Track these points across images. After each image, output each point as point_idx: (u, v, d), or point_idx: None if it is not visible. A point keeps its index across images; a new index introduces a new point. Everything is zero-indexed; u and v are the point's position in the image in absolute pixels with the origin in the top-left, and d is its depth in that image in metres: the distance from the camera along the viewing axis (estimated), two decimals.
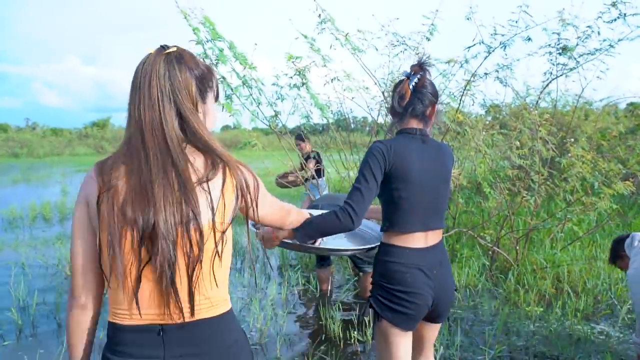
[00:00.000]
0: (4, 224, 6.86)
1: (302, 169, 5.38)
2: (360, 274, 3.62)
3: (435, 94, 1.61)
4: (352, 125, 5.52)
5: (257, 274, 4.11)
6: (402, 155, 1.51)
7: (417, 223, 1.54)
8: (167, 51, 0.99)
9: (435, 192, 1.57)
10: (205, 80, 1.03)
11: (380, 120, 5.28)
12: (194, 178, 0.94)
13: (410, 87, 1.54)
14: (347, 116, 5.05)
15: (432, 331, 1.71)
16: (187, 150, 0.97)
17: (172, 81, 0.96)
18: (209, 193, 0.95)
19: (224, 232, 0.97)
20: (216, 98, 1.09)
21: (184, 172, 0.93)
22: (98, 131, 31.48)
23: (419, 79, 1.56)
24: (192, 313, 0.94)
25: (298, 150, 5.20)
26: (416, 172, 1.52)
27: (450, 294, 1.64)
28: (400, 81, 1.59)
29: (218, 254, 0.96)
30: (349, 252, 2.40)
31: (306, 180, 5.08)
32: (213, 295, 0.98)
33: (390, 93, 1.64)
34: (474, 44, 3.97)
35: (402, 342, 1.57)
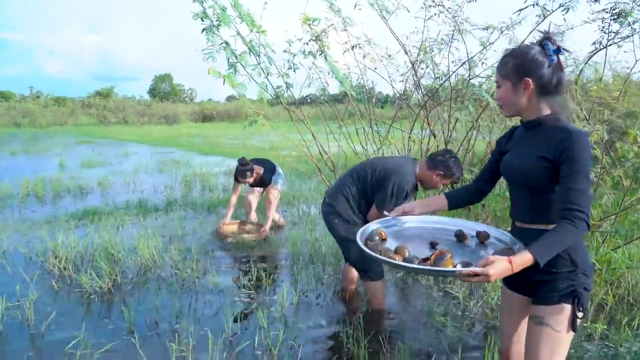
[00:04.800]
0: None
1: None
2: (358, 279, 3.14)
3: None
4: (375, 102, 4.89)
5: (264, 273, 3.61)
6: None
7: None
8: None
9: None
10: None
11: (401, 92, 4.68)
12: None
13: None
14: (368, 88, 4.44)
15: None
16: None
17: None
18: None
19: None
20: None
21: None
22: (101, 101, 30.83)
23: None
24: None
25: (246, 183, 4.54)
26: None
27: None
28: (555, 54, 1.42)
29: None
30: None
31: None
32: None
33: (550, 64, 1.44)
34: (527, 6, 3.32)
35: None
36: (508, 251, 1.43)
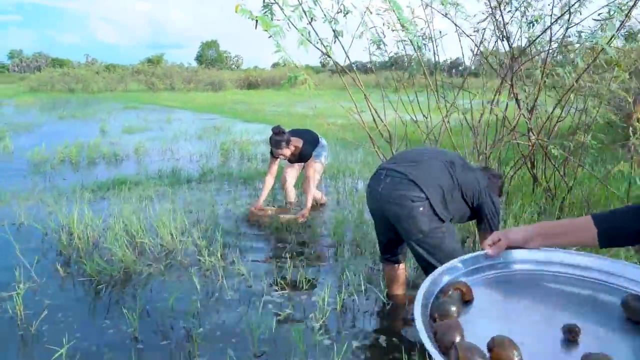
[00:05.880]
0: (29, 168, 6.17)
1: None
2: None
3: None
4: (438, 64, 4.02)
5: (301, 265, 2.99)
6: None
7: None
8: None
9: None
10: None
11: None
12: None
13: None
14: (435, 40, 3.59)
15: None
16: None
17: None
18: None
19: None
20: None
21: None
22: (149, 67, 31.10)
23: None
24: None
25: (282, 157, 3.84)
26: None
27: None
28: None
29: None
30: None
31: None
32: None
33: None
34: None
35: None
36: None
